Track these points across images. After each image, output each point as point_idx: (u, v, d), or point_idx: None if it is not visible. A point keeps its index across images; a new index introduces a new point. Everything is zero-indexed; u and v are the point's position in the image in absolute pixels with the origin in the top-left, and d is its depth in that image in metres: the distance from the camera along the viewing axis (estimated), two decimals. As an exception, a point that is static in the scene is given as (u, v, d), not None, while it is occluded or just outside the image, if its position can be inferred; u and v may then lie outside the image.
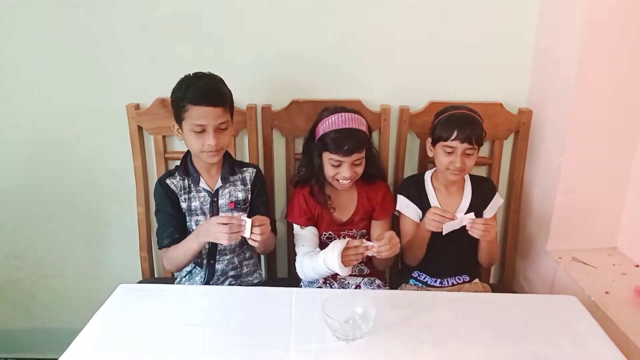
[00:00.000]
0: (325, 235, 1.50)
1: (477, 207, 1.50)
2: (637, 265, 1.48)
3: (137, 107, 1.62)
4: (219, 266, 1.46)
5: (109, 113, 1.64)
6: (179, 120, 1.34)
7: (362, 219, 1.51)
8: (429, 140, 1.48)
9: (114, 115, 1.63)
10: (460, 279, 1.53)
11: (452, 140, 1.38)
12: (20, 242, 1.84)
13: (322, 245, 1.45)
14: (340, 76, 1.63)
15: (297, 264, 1.43)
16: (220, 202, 1.44)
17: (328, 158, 1.39)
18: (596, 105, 1.44)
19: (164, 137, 1.65)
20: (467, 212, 1.48)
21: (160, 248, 1.44)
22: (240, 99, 1.63)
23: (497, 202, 1.55)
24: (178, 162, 1.49)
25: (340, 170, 1.39)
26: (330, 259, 1.26)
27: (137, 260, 1.73)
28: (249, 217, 1.23)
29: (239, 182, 1.46)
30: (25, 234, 1.83)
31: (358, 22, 1.60)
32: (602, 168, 1.50)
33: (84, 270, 1.87)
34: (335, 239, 1.47)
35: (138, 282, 1.69)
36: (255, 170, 1.50)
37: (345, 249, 1.26)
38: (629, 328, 1.18)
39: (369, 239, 1.48)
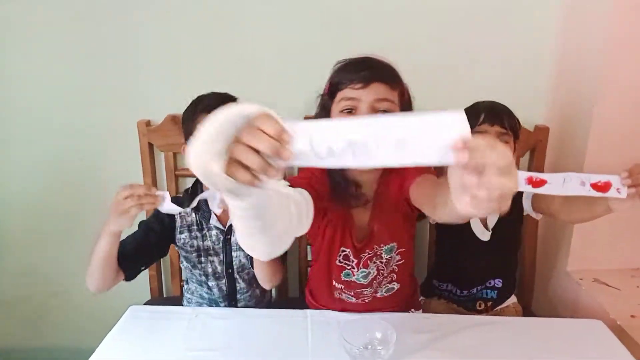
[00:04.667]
0: (343, 252, 1.15)
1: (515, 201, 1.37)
2: (663, 287, 1.44)
3: (148, 123, 1.60)
4: (241, 304, 1.38)
5: (120, 129, 1.63)
6: (189, 135, 1.08)
7: (385, 226, 1.12)
8: None
9: (124, 131, 1.61)
10: (491, 283, 1.40)
11: (480, 125, 1.21)
12: (30, 260, 1.82)
13: (337, 268, 1.19)
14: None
15: None
16: (232, 239, 1.30)
17: (338, 103, 0.95)
18: (618, 123, 1.40)
19: (174, 154, 1.62)
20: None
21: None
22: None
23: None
24: (188, 179, 1.44)
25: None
26: None
27: (145, 279, 1.69)
28: None
29: None
30: (35, 251, 1.80)
31: (378, 40, 1.57)
32: (623, 186, 1.47)
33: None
34: (353, 263, 1.16)
35: (146, 301, 1.66)
36: None
37: None
38: (659, 354, 1.13)
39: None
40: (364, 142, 0.53)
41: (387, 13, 1.55)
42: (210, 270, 1.34)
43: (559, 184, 0.91)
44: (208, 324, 1.14)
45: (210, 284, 1.35)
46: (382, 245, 1.15)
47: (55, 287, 1.84)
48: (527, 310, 1.68)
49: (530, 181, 0.91)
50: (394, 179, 1.09)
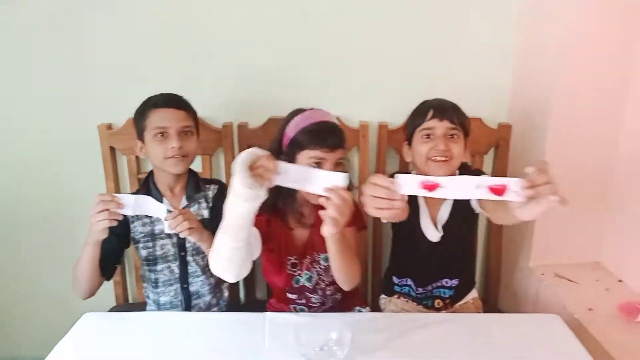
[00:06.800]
0: (290, 260, 1.31)
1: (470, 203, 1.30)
2: (620, 281, 1.46)
3: (110, 127, 1.58)
4: (193, 288, 1.40)
5: (81, 133, 1.60)
6: (141, 132, 1.30)
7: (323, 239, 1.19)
8: (405, 144, 1.34)
9: (86, 135, 1.59)
10: (448, 283, 1.38)
11: (428, 121, 1.23)
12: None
13: (288, 276, 1.30)
14: (318, 92, 1.62)
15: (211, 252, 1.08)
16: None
17: (307, 158, 1.17)
18: (574, 119, 1.43)
19: (137, 157, 1.61)
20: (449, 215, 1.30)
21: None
22: (216, 117, 1.61)
23: None
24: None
25: None
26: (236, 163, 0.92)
27: (110, 285, 1.67)
28: None
29: (203, 200, 1.39)
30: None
31: (336, 39, 1.59)
32: (583, 181, 1.49)
33: (57, 295, 1.79)
34: (297, 265, 1.30)
35: (111, 308, 1.64)
36: (217, 187, 1.42)
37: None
38: (612, 346, 1.16)
39: None
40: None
41: (354, 13, 1.56)
42: (159, 253, 1.37)
43: (454, 187, 0.87)
44: (163, 329, 1.13)
45: (159, 267, 1.37)
46: (320, 253, 1.30)
47: (18, 295, 1.81)
48: (493, 306, 1.70)
49: (424, 185, 0.88)
50: None
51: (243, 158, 0.92)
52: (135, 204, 1.13)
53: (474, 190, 0.86)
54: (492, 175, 1.65)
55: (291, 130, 1.22)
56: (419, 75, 1.62)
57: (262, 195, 0.95)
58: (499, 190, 0.85)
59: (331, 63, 1.60)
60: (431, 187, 0.87)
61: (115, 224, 1.13)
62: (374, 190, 0.88)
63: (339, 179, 0.96)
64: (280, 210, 1.27)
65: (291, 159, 1.19)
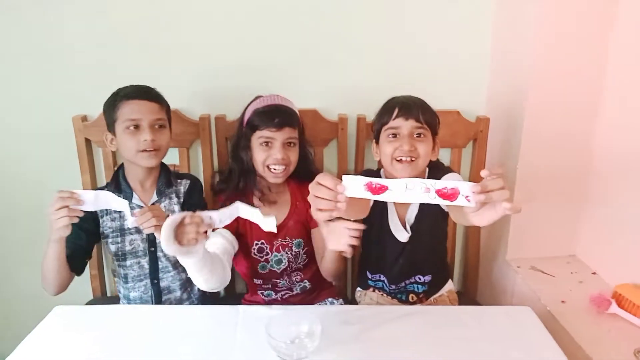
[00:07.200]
0: (257, 245, 1.35)
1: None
2: (594, 273, 1.48)
3: (85, 118, 1.56)
4: (163, 284, 1.38)
5: (55, 126, 1.57)
6: (112, 124, 1.27)
7: (297, 224, 1.34)
8: (373, 142, 1.32)
9: (60, 127, 1.56)
10: (421, 279, 1.37)
11: (394, 120, 1.20)
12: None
13: (253, 261, 1.36)
14: (296, 85, 1.60)
15: None
16: None
17: (257, 138, 1.27)
18: (551, 113, 1.44)
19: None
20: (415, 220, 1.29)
21: None
22: (193, 110, 1.59)
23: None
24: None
25: (271, 152, 1.26)
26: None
27: (87, 279, 1.65)
28: None
29: (174, 196, 1.37)
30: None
31: (314, 31, 1.57)
32: (559, 176, 1.50)
33: (32, 290, 1.76)
34: (267, 250, 1.35)
35: (88, 301, 1.62)
36: (189, 182, 1.41)
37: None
38: (583, 338, 1.17)
39: (310, 251, 1.35)
40: None
41: (332, 7, 1.55)
42: (129, 248, 1.35)
43: (402, 190, 0.82)
44: (134, 322, 1.12)
45: (128, 262, 1.35)
46: (293, 238, 1.37)
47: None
48: (472, 299, 1.72)
49: (370, 187, 0.83)
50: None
51: (165, 235, 0.93)
52: (95, 200, 1.11)
53: (422, 195, 0.81)
54: (470, 170, 1.68)
55: (247, 114, 1.33)
56: (398, 68, 1.61)
57: (199, 249, 0.99)
58: (449, 196, 0.81)
59: (309, 56, 1.59)
60: (377, 190, 0.83)
61: (76, 220, 1.10)
62: (317, 190, 0.83)
63: (269, 226, 1.04)
64: (242, 191, 1.34)
65: (247, 140, 1.31)
